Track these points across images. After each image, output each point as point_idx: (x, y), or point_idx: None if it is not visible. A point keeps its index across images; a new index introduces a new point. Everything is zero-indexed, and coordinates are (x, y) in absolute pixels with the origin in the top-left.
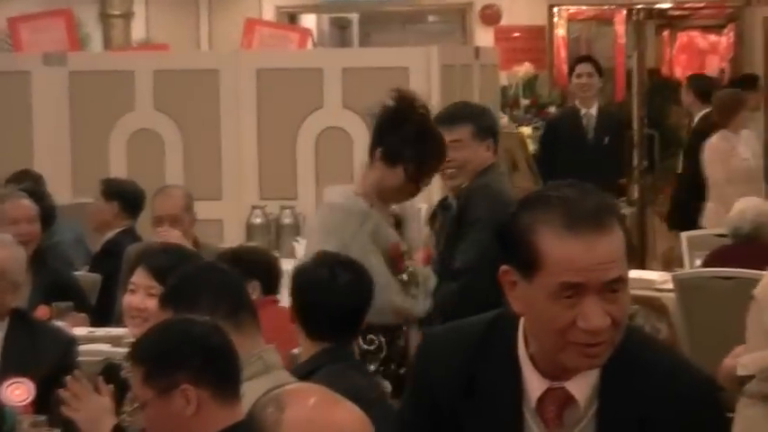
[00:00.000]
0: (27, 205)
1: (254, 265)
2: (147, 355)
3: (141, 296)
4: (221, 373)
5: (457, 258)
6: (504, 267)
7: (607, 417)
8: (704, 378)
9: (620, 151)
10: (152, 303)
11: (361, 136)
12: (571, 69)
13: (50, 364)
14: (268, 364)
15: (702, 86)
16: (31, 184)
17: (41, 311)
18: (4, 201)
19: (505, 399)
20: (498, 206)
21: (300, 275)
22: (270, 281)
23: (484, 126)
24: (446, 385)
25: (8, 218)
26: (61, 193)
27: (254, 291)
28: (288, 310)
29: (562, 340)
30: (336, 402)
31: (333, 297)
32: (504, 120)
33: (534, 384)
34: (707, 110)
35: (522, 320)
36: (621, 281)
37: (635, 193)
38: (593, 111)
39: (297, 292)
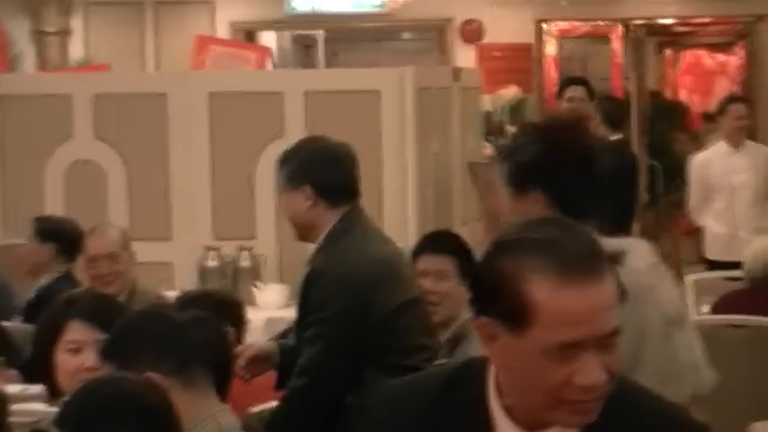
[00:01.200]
0: None
1: (227, 310)
2: (73, 420)
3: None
4: None
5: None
6: (482, 319)
7: None
8: (696, 425)
9: (624, 192)
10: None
11: None
12: (560, 92)
13: None
14: (222, 428)
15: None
16: None
17: None
18: None
19: None
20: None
21: None
22: (238, 329)
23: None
24: None
25: None
26: None
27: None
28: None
29: (553, 398)
30: None
31: None
32: (487, 149)
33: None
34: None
35: (492, 369)
36: (616, 332)
37: (636, 230)
38: None
39: None
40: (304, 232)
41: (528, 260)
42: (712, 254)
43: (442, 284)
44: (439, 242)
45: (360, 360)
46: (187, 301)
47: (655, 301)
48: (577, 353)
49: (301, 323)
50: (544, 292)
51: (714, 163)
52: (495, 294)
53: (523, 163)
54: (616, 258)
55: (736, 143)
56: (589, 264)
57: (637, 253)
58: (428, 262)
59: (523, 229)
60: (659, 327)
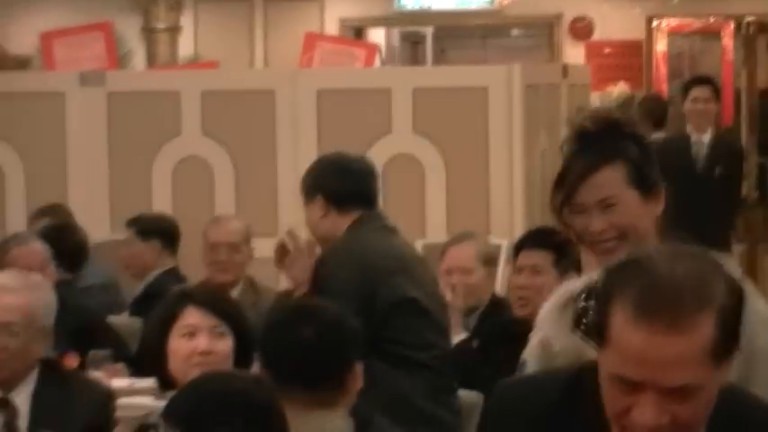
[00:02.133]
0: (38, 251)
1: None
2: (180, 415)
3: (205, 339)
4: (266, 430)
5: None
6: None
7: None
8: None
9: (735, 184)
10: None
11: (432, 164)
12: (685, 92)
13: (85, 422)
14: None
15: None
16: (59, 220)
17: (70, 359)
18: (10, 248)
19: None
20: None
21: None
22: None
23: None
24: None
25: (18, 266)
26: (97, 228)
27: None
28: None
29: (617, 424)
30: None
31: None
32: None
33: None
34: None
35: None
36: (687, 391)
37: (743, 229)
38: (706, 138)
39: None
40: (323, 243)
41: (620, 285)
42: None
43: (535, 279)
44: (536, 237)
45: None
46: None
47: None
48: (638, 389)
49: None
50: (620, 321)
51: None
52: (597, 304)
53: (641, 160)
54: None
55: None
56: (674, 310)
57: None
58: (524, 257)
59: (645, 250)
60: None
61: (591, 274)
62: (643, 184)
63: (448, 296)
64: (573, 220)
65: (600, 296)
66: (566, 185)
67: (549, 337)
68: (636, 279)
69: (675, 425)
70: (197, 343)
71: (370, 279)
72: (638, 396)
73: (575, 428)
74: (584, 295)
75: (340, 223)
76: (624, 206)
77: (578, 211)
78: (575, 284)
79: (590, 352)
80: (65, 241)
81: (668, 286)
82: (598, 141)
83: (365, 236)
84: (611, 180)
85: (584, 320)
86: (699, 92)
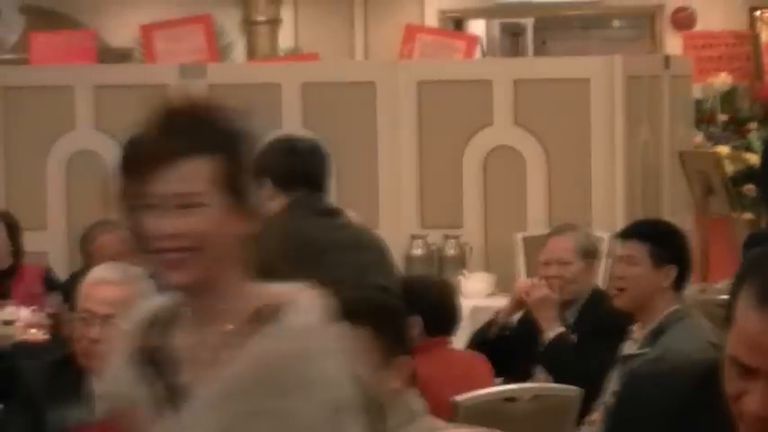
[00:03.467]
0: (124, 237)
1: (422, 300)
2: None
3: None
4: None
5: None
6: None
7: None
8: None
9: None
10: None
11: (535, 156)
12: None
13: None
14: (413, 411)
15: None
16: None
17: None
18: (98, 234)
19: None
20: None
21: None
22: (437, 320)
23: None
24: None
25: (104, 254)
26: None
27: (414, 326)
28: (460, 354)
29: (735, 407)
30: None
31: None
32: (698, 138)
33: None
34: None
35: None
36: None
37: None
38: None
39: None
40: None
41: (754, 269)
42: None
43: (630, 270)
44: (634, 227)
45: None
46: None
47: None
48: (751, 374)
49: None
50: (743, 304)
51: None
52: (732, 285)
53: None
54: None
55: None
56: None
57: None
58: (621, 248)
59: None
60: None
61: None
62: (234, 191)
63: (545, 291)
64: (137, 215)
65: (736, 278)
66: (135, 170)
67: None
68: (764, 266)
69: None
70: None
71: (271, 262)
72: (751, 382)
73: (709, 421)
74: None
75: (282, 205)
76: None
77: (148, 205)
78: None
79: None
80: None
81: None
82: (185, 127)
83: (295, 219)
84: (195, 174)
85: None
86: None
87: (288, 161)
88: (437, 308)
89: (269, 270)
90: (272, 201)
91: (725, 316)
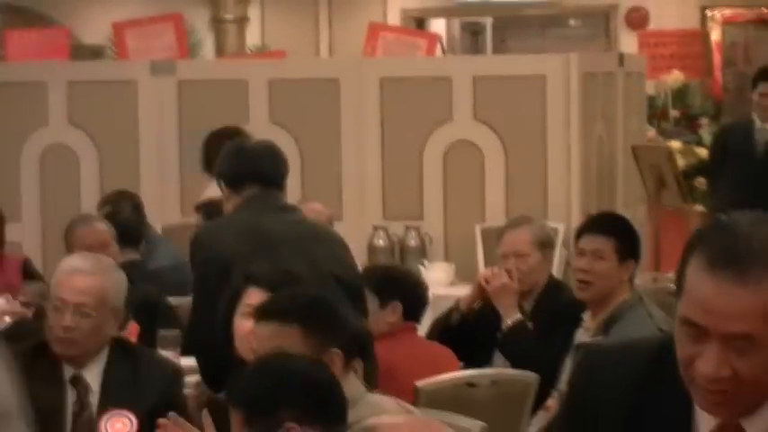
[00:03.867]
0: (101, 230)
1: (402, 285)
2: (246, 396)
3: None
4: (327, 408)
5: None
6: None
7: None
8: None
9: None
10: None
11: (493, 151)
12: (753, 85)
13: (155, 398)
14: (353, 396)
15: None
16: (124, 206)
17: (132, 328)
18: (75, 228)
19: None
20: None
21: None
22: (414, 306)
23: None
24: (609, 411)
25: (83, 245)
26: (168, 212)
27: (394, 312)
28: (426, 341)
29: (686, 374)
30: (439, 425)
31: None
32: (651, 133)
33: (705, 417)
34: None
35: None
36: (747, 338)
37: None
38: None
39: None
40: None
41: (700, 241)
42: None
43: (596, 264)
44: (599, 223)
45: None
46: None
47: None
48: (703, 337)
49: None
50: (694, 270)
51: None
52: (682, 256)
53: None
54: None
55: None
56: (742, 264)
57: None
58: (586, 241)
59: (733, 214)
60: None
61: None
62: None
63: (505, 279)
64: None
65: (685, 249)
66: None
67: None
68: (716, 235)
69: (737, 380)
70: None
71: (226, 257)
72: (704, 346)
73: (664, 394)
74: None
75: (239, 204)
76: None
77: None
78: None
79: None
80: (124, 222)
81: (743, 244)
82: None
83: (236, 215)
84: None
85: None
86: (765, 87)
87: (237, 162)
88: (414, 295)
89: (225, 266)
90: (227, 202)
91: (675, 286)
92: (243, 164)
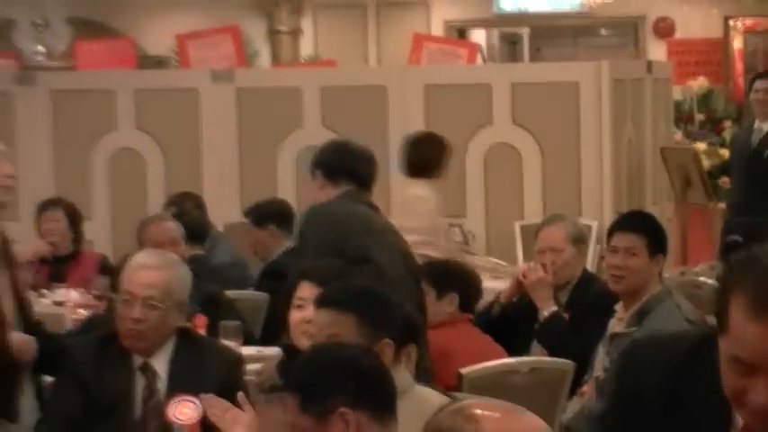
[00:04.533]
0: (170, 228)
1: (459, 279)
2: (300, 382)
3: (311, 309)
4: (377, 395)
5: None
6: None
7: None
8: None
9: None
10: None
11: (530, 152)
12: (750, 85)
13: (217, 384)
14: (401, 386)
15: None
16: (188, 206)
17: (199, 321)
18: (147, 226)
19: (711, 421)
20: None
21: None
22: (468, 298)
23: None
24: (650, 397)
25: (152, 241)
26: (228, 212)
27: (451, 303)
28: (477, 331)
29: (737, 401)
30: (520, 412)
31: None
32: (677, 135)
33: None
34: None
35: None
36: None
37: None
38: (766, 126)
39: None
40: None
41: (741, 279)
42: None
43: (629, 260)
44: (630, 221)
45: None
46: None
47: None
48: (752, 371)
49: None
50: (737, 313)
51: None
52: (721, 292)
53: None
54: None
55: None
56: None
57: None
58: (619, 239)
59: (761, 248)
60: None
61: None
62: None
63: (541, 273)
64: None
65: (721, 287)
66: None
67: None
68: (754, 278)
69: None
70: (305, 313)
71: (338, 237)
72: (753, 378)
73: (699, 386)
74: None
75: (333, 195)
76: None
77: None
78: None
79: None
80: (188, 221)
81: None
82: None
83: (341, 204)
84: None
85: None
86: (760, 84)
87: (339, 159)
88: (470, 288)
89: (338, 245)
90: (321, 190)
91: (716, 319)
92: (344, 161)
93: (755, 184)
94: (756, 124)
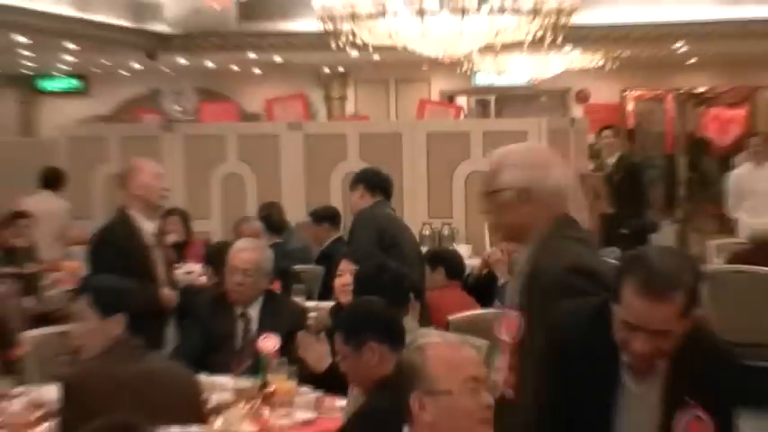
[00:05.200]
0: (255, 226)
1: (444, 257)
2: (344, 325)
3: (347, 277)
4: (393, 334)
5: None
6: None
7: (672, 371)
8: (727, 349)
9: (634, 187)
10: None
11: None
12: (598, 133)
13: (290, 325)
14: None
15: None
16: (273, 210)
17: (276, 285)
18: (241, 225)
19: (609, 359)
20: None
21: None
22: (453, 269)
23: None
24: (570, 344)
25: (243, 233)
26: (298, 214)
27: (439, 274)
28: (461, 292)
29: (623, 346)
30: (460, 345)
31: None
32: (590, 166)
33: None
34: None
35: None
36: (665, 334)
37: (680, 214)
38: (612, 159)
39: None
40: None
41: (630, 268)
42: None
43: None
44: None
45: None
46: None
47: None
48: (634, 329)
49: None
50: (628, 292)
51: (743, 176)
52: (616, 278)
53: None
54: None
55: (757, 162)
56: (661, 290)
57: None
58: None
59: (644, 249)
60: None
61: None
62: None
63: (499, 255)
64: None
65: (618, 271)
66: None
67: None
68: (639, 266)
69: (655, 352)
70: (343, 280)
71: (379, 232)
72: (634, 334)
73: (602, 336)
74: None
75: (370, 202)
76: None
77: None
78: None
79: None
80: (273, 220)
81: (658, 275)
82: None
83: (378, 209)
84: None
85: None
86: (607, 132)
87: (376, 178)
88: (452, 263)
89: (381, 233)
90: (361, 199)
91: (613, 292)
92: (377, 180)
93: (613, 196)
94: (608, 159)
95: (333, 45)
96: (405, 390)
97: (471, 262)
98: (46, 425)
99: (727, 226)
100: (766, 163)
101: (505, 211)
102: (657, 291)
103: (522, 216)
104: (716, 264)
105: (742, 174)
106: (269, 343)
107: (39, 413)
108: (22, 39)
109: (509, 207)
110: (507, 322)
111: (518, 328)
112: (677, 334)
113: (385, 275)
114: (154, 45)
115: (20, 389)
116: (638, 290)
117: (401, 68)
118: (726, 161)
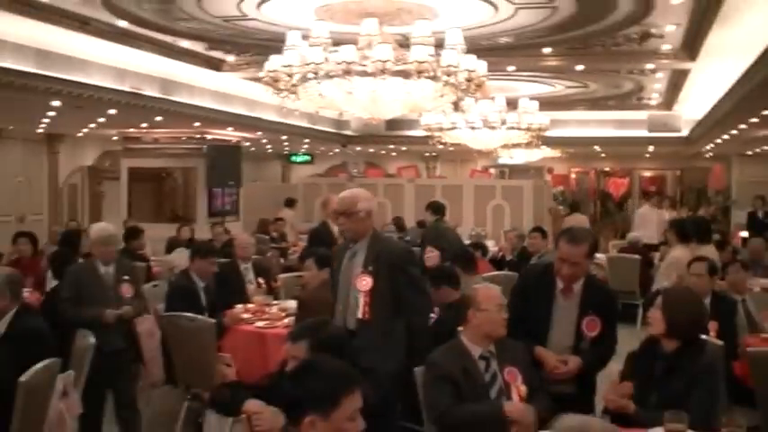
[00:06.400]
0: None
1: (480, 246)
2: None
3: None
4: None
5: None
6: None
7: (583, 295)
8: (610, 289)
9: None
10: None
11: (510, 208)
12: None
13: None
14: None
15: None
16: (400, 220)
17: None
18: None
19: (551, 289)
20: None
21: None
22: (484, 253)
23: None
24: (529, 285)
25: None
26: (410, 222)
27: (477, 255)
28: (486, 262)
29: (559, 272)
30: (491, 286)
31: None
32: (554, 208)
33: (559, 284)
34: None
35: None
36: (579, 264)
37: (595, 228)
38: (564, 206)
39: None
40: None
41: (565, 231)
42: None
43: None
44: (537, 229)
45: None
46: None
47: None
48: (563, 262)
49: None
50: (563, 240)
51: (644, 213)
52: (559, 235)
53: None
54: None
55: (652, 206)
56: (577, 240)
57: None
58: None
59: (572, 227)
60: None
61: None
62: None
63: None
64: None
65: (560, 234)
66: None
67: None
68: (568, 230)
69: (573, 275)
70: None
71: (438, 235)
72: (563, 264)
73: (547, 278)
74: None
75: (434, 218)
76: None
77: None
78: None
79: None
80: (400, 224)
81: (576, 233)
82: None
83: (440, 223)
84: None
85: None
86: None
87: (437, 206)
88: (486, 251)
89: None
90: (430, 216)
91: (555, 244)
92: (439, 207)
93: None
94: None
95: (430, 142)
96: (465, 308)
97: (493, 249)
98: (287, 320)
99: (617, 235)
100: (655, 208)
101: (358, 223)
102: (575, 239)
103: (366, 226)
104: (612, 253)
105: (643, 212)
106: (364, 282)
107: (284, 313)
108: (284, 137)
109: (360, 221)
110: (362, 279)
111: (368, 282)
112: (584, 266)
113: (467, 254)
114: (345, 140)
115: (275, 302)
116: (566, 240)
117: (462, 153)
118: (620, 205)
